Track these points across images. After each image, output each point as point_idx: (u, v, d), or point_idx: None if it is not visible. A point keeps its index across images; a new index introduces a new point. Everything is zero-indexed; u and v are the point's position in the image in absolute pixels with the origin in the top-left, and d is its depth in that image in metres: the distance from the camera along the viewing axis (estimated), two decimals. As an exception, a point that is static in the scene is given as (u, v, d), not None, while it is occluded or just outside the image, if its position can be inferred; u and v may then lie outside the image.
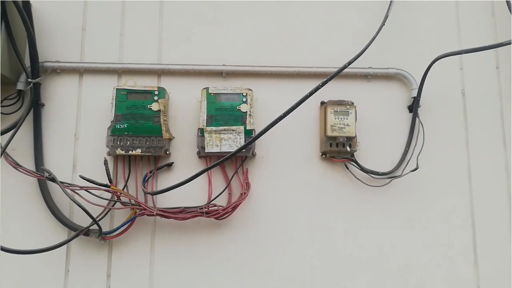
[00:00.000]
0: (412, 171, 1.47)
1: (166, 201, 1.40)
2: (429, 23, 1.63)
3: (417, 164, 1.48)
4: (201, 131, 1.40)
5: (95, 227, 1.30)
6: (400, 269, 1.48)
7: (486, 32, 1.63)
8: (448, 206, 1.53)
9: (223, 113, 1.41)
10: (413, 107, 1.53)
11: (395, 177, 1.49)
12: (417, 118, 1.53)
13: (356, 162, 1.48)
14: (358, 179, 1.49)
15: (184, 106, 1.49)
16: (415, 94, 1.52)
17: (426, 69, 1.47)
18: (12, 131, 1.33)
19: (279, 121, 1.24)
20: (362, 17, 1.60)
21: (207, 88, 1.43)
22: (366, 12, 1.60)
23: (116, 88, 1.39)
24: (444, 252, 1.50)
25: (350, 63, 1.33)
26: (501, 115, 1.59)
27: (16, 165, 1.32)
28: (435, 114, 1.57)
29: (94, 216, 1.25)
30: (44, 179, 1.31)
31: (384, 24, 1.47)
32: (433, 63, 1.46)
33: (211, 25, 1.57)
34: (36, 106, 1.42)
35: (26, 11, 1.30)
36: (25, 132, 1.42)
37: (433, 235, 1.50)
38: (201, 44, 1.55)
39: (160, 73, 1.51)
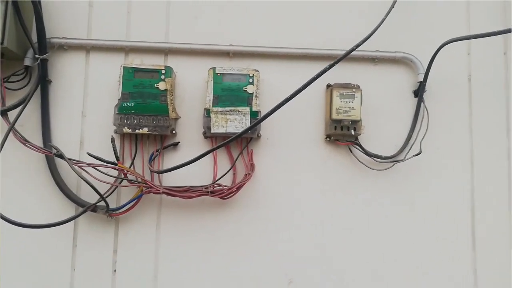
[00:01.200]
0: (415, 155, 1.48)
1: (172, 180, 1.42)
2: (439, 7, 1.61)
3: (420, 148, 1.49)
4: (207, 112, 1.40)
5: (102, 203, 1.32)
6: (401, 251, 1.51)
7: (496, 16, 1.61)
8: (450, 190, 1.55)
9: (229, 93, 1.41)
10: (419, 92, 1.53)
11: (398, 161, 1.50)
12: (422, 103, 1.53)
13: (360, 146, 1.49)
14: (361, 162, 1.51)
15: (191, 86, 1.50)
16: (421, 78, 1.52)
17: (434, 54, 1.47)
18: (20, 107, 1.34)
19: (285, 103, 1.24)
20: (369, 1, 1.58)
21: (214, 68, 1.43)
22: (375, -6, 1.58)
23: (124, 66, 1.39)
24: (444, 235, 1.53)
25: (358, 45, 1.33)
26: (507, 102, 1.60)
27: (24, 141, 1.33)
28: (440, 99, 1.58)
29: (102, 193, 1.27)
30: (52, 155, 1.33)
31: (393, 7, 1.46)
32: (441, 47, 1.46)
33: (218, 4, 1.55)
34: (44, 83, 1.42)
35: (33, -14, 1.30)
36: (32, 109, 1.43)
37: (434, 218, 1.53)
38: (208, 24, 1.54)
39: (167, 51, 1.51)
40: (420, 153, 1.48)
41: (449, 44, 1.46)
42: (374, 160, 1.51)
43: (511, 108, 1.59)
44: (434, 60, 1.48)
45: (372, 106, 1.54)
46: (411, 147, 1.52)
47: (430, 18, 1.60)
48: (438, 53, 1.47)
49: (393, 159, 1.51)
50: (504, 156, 1.58)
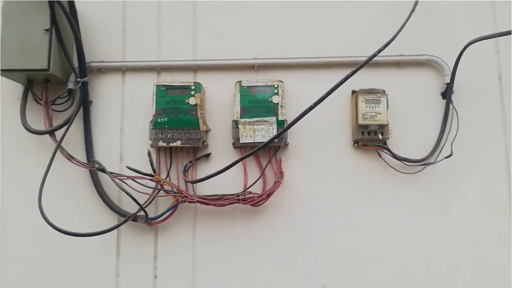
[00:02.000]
0: (446, 157, 1.47)
1: (205, 189, 1.49)
2: (463, 7, 1.60)
3: (451, 150, 1.47)
4: (236, 123, 1.46)
5: (142, 213, 1.41)
6: (434, 256, 1.49)
7: (524, 13, 1.58)
8: (485, 192, 1.51)
9: (255, 105, 1.47)
10: (447, 94, 1.52)
11: (429, 164, 1.49)
12: (450, 104, 1.52)
13: (389, 150, 1.50)
14: (391, 166, 1.51)
15: (219, 100, 1.57)
16: (448, 80, 1.51)
17: (459, 55, 1.46)
18: (65, 127, 1.46)
19: (309, 111, 1.27)
20: (390, 5, 1.59)
21: (240, 81, 1.49)
22: (393, -1, 1.59)
23: (156, 85, 1.48)
24: (480, 238, 1.49)
25: (379, 51, 1.35)
26: (540, 99, 1.55)
27: (70, 158, 1.45)
28: (470, 100, 1.56)
29: (141, 203, 1.36)
30: (95, 170, 1.44)
31: (414, 10, 1.46)
32: (466, 48, 1.44)
33: (241, 21, 1.62)
34: (85, 104, 1.54)
35: (72, 16, 1.42)
36: (76, 128, 1.54)
37: (469, 222, 1.50)
38: (233, 39, 1.61)
39: (196, 68, 1.59)
40: (451, 155, 1.47)
41: (476, 44, 1.44)
42: (404, 163, 1.51)
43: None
44: (462, 61, 1.47)
45: (400, 110, 1.54)
46: (441, 150, 1.50)
47: (454, 18, 1.60)
48: (466, 53, 1.45)
49: (423, 162, 1.50)
50: None
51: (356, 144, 1.53)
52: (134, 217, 1.42)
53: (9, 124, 1.57)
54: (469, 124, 1.53)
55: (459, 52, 1.46)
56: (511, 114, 1.55)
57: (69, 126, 1.45)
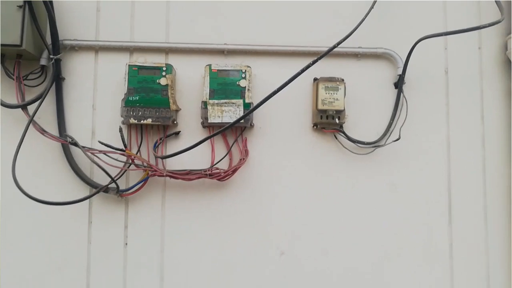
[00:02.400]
0: (395, 141, 1.62)
1: (174, 164, 1.59)
2: (417, 5, 1.73)
3: (399, 135, 1.63)
4: (205, 104, 1.56)
5: (113, 185, 1.49)
6: (381, 226, 1.66)
7: (471, 14, 1.73)
8: (427, 173, 1.69)
9: (224, 87, 1.56)
10: (398, 84, 1.67)
11: (379, 146, 1.65)
12: (401, 93, 1.67)
13: (344, 133, 1.64)
14: (345, 148, 1.66)
15: (189, 81, 1.65)
16: (400, 72, 1.65)
17: (410, 49, 1.59)
18: (38, 101, 1.50)
19: (273, 95, 1.38)
20: (353, 2, 1.70)
21: (210, 65, 1.57)
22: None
23: (129, 65, 1.54)
24: (421, 213, 1.67)
25: (339, 43, 1.46)
26: (481, 93, 1.73)
27: (42, 131, 1.50)
28: (419, 91, 1.71)
29: (113, 176, 1.44)
30: (67, 143, 1.50)
31: (373, 7, 1.59)
32: (417, 43, 1.58)
33: (213, 7, 1.69)
34: (58, 80, 1.58)
35: (47, -6, 1.45)
36: (48, 103, 1.58)
37: (412, 198, 1.68)
38: (204, 25, 1.69)
39: (167, 51, 1.66)
40: (399, 139, 1.62)
41: (427, 40, 1.57)
42: (357, 145, 1.65)
43: (484, 99, 1.72)
44: (415, 55, 1.60)
45: (356, 97, 1.68)
46: (390, 134, 1.66)
47: (409, 17, 1.73)
48: (418, 48, 1.58)
49: (374, 144, 1.65)
50: (478, 142, 1.71)
51: (315, 127, 1.66)
52: (105, 189, 1.50)
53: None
54: (416, 112, 1.68)
55: (411, 47, 1.60)
56: (454, 104, 1.71)
57: (42, 101, 1.49)
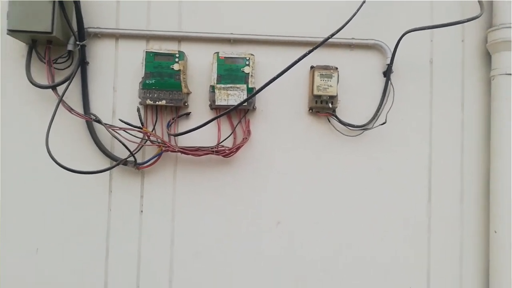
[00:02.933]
0: (381, 124, 1.79)
1: (185, 142, 1.76)
2: (406, 1, 1.88)
3: (386, 119, 1.79)
4: (212, 88, 1.72)
5: (131, 159, 1.68)
6: (367, 202, 1.84)
7: (455, 9, 1.86)
8: (410, 154, 1.86)
9: (230, 73, 1.72)
10: (387, 73, 1.83)
11: (367, 129, 1.81)
12: (389, 81, 1.83)
13: (336, 116, 1.80)
14: (337, 130, 1.83)
15: (199, 67, 1.80)
16: (388, 61, 1.80)
17: (398, 41, 1.74)
18: (66, 83, 1.68)
19: (273, 81, 1.55)
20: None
21: (217, 53, 1.73)
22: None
23: (146, 51, 1.70)
24: (404, 190, 1.85)
25: (333, 34, 1.61)
26: (462, 82, 1.87)
27: (70, 109, 1.68)
28: (406, 79, 1.85)
29: (131, 150, 1.63)
30: (91, 121, 1.69)
31: (365, 2, 1.75)
32: (404, 35, 1.72)
33: (221, 1, 1.84)
34: (83, 64, 1.75)
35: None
36: (74, 85, 1.74)
37: (396, 178, 1.85)
38: (214, 16, 1.84)
39: (180, 39, 1.82)
40: (385, 123, 1.78)
41: (415, 33, 1.71)
42: (348, 128, 1.82)
43: (465, 88, 1.88)
44: (403, 46, 1.73)
45: (349, 84, 1.84)
46: (378, 118, 1.82)
47: (398, 10, 1.86)
48: (405, 40, 1.71)
49: (363, 127, 1.82)
50: (458, 127, 1.87)
51: (311, 111, 1.84)
52: (124, 162, 1.69)
53: (14, 78, 1.77)
54: (402, 99, 1.82)
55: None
56: (437, 92, 1.87)
57: (70, 82, 1.66)
